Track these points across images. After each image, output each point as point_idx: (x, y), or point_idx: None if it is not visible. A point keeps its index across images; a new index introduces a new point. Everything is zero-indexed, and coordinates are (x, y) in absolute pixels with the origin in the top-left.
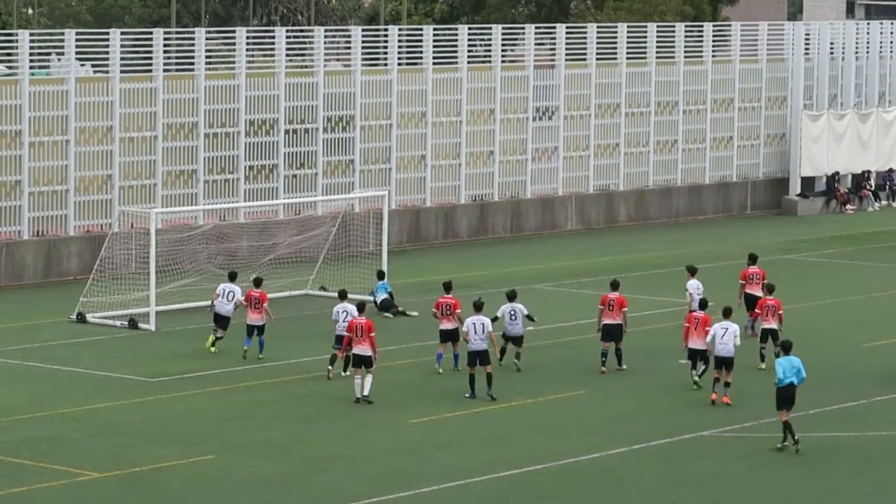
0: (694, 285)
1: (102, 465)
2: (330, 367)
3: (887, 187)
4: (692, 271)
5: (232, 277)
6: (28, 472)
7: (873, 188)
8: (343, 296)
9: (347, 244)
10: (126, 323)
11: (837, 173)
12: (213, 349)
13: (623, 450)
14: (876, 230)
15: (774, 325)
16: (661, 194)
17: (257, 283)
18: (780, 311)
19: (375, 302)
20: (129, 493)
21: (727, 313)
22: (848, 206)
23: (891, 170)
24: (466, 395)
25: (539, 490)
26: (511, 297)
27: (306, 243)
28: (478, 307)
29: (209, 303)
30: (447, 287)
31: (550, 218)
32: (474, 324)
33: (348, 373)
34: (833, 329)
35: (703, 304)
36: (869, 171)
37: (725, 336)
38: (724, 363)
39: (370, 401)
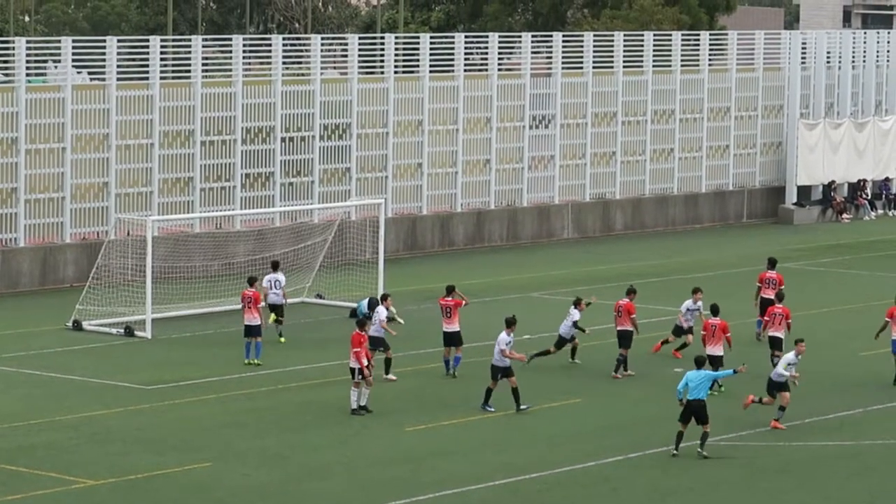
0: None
1: (98, 473)
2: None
3: (883, 196)
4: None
5: (275, 267)
6: (24, 480)
7: (869, 197)
8: (381, 299)
9: (343, 252)
10: (122, 330)
11: (834, 182)
12: (282, 339)
13: (619, 458)
14: (872, 239)
15: (780, 334)
16: (657, 203)
17: (251, 282)
18: (789, 320)
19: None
20: (126, 500)
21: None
22: (844, 215)
23: (887, 178)
24: (483, 406)
25: (535, 498)
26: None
27: (303, 251)
28: (507, 323)
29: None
30: (449, 290)
31: (547, 226)
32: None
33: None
34: (829, 338)
35: (714, 310)
36: (865, 180)
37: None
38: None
39: (369, 410)
